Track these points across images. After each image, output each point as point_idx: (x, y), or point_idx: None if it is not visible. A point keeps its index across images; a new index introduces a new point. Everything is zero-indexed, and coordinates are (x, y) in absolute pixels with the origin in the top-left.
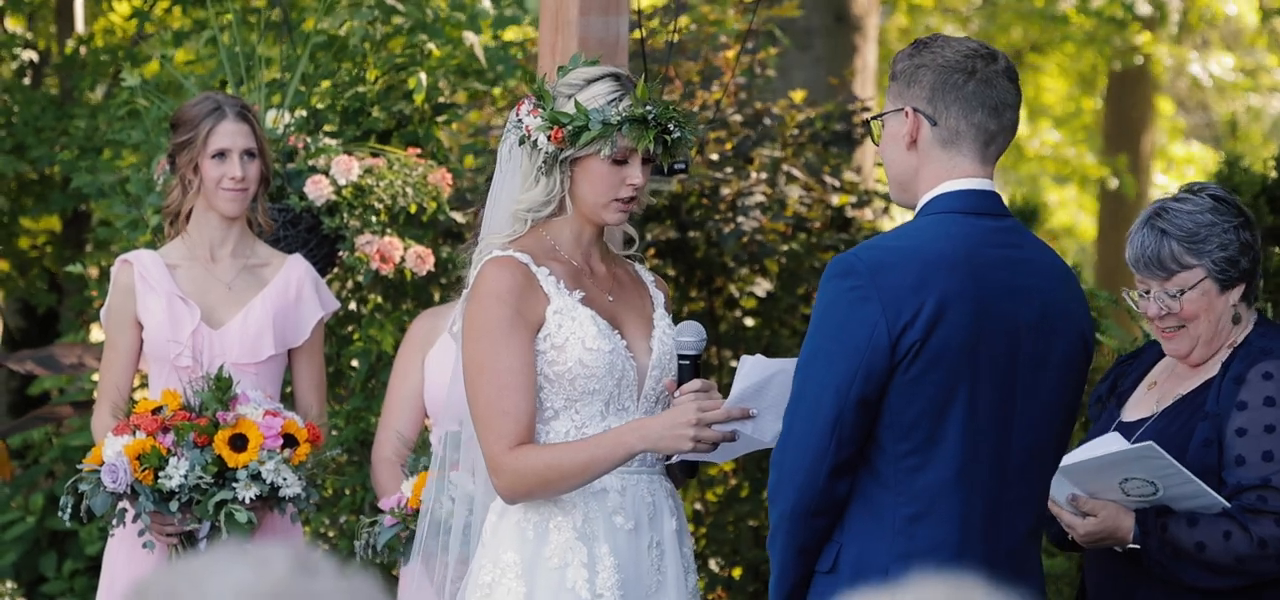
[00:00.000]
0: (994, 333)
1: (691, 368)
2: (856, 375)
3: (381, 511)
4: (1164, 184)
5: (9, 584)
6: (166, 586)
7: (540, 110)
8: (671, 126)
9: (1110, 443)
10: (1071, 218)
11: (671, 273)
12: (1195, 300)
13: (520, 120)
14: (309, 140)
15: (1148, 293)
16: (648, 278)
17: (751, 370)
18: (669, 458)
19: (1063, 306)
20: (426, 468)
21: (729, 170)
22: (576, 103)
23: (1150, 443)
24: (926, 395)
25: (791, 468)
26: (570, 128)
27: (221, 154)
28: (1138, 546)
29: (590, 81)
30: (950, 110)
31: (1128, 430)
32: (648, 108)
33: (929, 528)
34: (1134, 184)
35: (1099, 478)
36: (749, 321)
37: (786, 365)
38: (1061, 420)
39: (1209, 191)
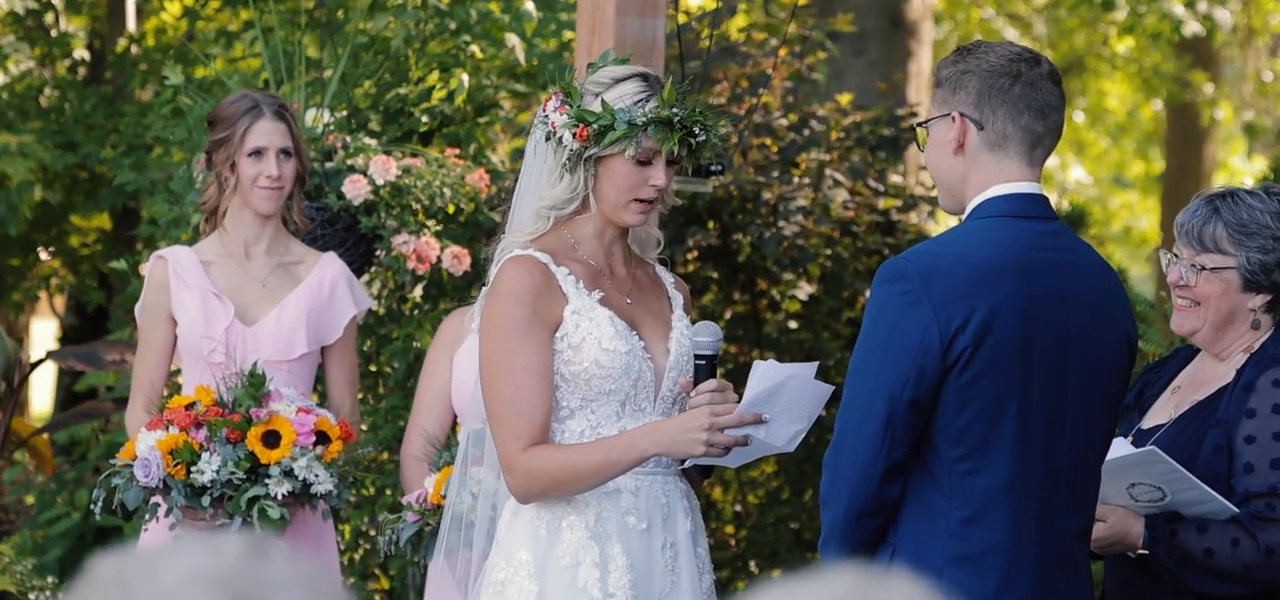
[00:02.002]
0: (1044, 337)
1: (708, 368)
2: (909, 378)
3: (405, 507)
4: None
5: (50, 579)
6: (118, 570)
7: (567, 107)
8: (697, 130)
9: (1115, 447)
10: (1123, 222)
11: (714, 276)
12: (1212, 283)
13: (547, 116)
14: (348, 139)
15: (1178, 258)
16: (668, 279)
17: (764, 375)
18: (683, 463)
19: (1109, 309)
20: (449, 463)
21: (775, 173)
22: (603, 101)
23: (1152, 448)
24: (979, 400)
25: (845, 470)
26: (595, 126)
27: (258, 152)
28: (1148, 552)
29: (618, 80)
30: (997, 114)
31: (1144, 437)
32: (674, 110)
33: (983, 530)
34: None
35: (1107, 483)
36: (793, 325)
37: (800, 370)
38: (1108, 422)
39: None
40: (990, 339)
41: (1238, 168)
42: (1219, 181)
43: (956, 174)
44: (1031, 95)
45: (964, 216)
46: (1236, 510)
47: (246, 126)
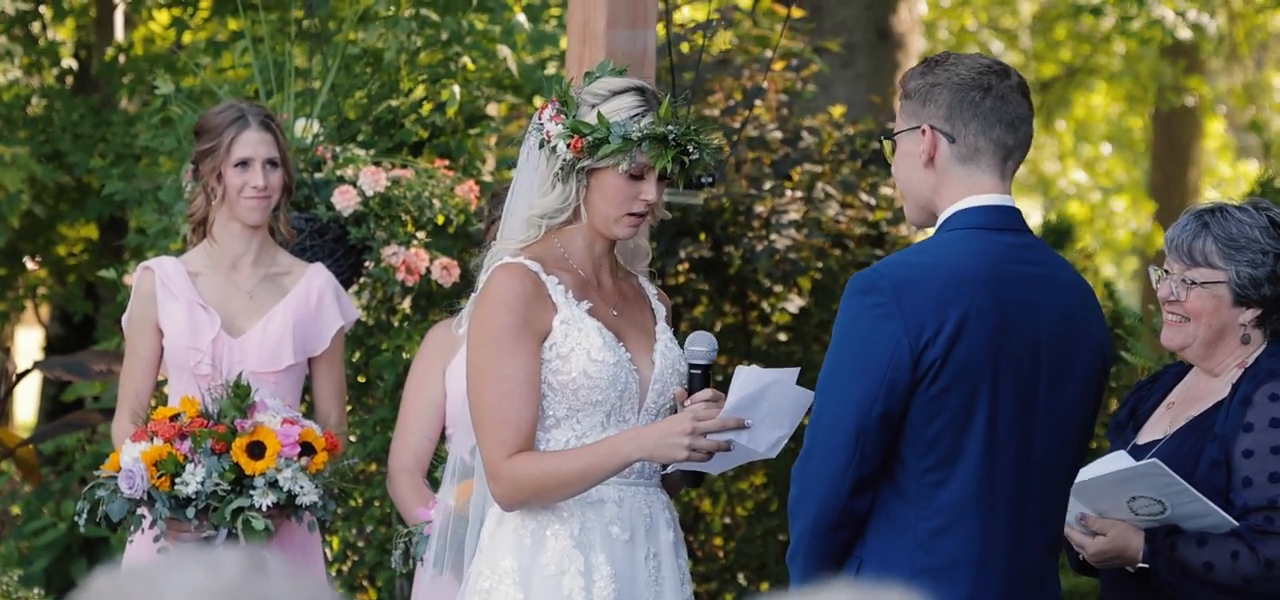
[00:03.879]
0: (1015, 349)
1: (703, 377)
2: (879, 391)
3: (418, 520)
4: None
5: (37, 590)
6: (118, 587)
7: (562, 117)
8: (691, 148)
9: (1116, 460)
10: (1110, 234)
11: (705, 288)
12: (1203, 299)
13: (542, 124)
14: (337, 150)
15: (1168, 274)
16: (650, 291)
17: (747, 381)
18: (665, 468)
19: (1081, 322)
20: (461, 478)
21: (768, 186)
22: (599, 114)
23: (1154, 460)
24: (948, 411)
25: (814, 482)
26: (590, 138)
27: (244, 163)
28: (1147, 566)
29: (615, 93)
30: (969, 127)
31: (1140, 452)
32: (669, 127)
33: (951, 542)
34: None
35: (1106, 496)
36: (782, 337)
37: (782, 376)
38: (1079, 436)
39: (1269, 213)
40: (959, 349)
41: (1225, 174)
42: (1208, 189)
43: (927, 187)
44: (1002, 108)
45: (935, 228)
46: (1236, 524)
47: (232, 137)
